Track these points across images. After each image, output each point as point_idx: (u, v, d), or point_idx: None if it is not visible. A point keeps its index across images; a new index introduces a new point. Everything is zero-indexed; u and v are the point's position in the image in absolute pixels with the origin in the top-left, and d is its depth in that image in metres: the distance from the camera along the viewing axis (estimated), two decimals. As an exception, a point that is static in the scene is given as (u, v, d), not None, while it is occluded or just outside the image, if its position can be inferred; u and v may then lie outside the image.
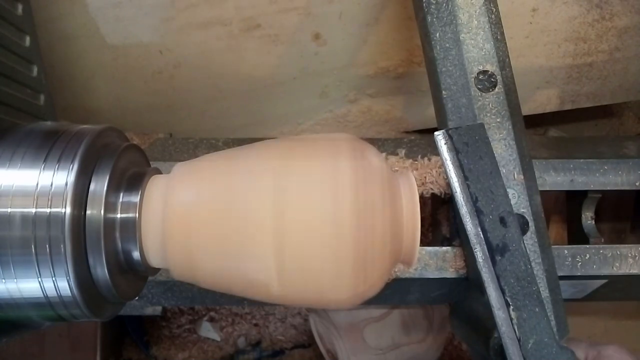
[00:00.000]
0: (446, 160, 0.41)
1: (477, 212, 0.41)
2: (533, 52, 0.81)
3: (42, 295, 0.35)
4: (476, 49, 0.54)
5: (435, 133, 0.41)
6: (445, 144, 0.41)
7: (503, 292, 0.41)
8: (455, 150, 0.41)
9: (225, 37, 0.73)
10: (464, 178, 0.40)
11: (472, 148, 0.41)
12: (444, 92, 0.54)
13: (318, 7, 0.71)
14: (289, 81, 0.82)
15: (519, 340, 0.41)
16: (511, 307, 0.41)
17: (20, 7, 0.52)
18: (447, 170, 0.41)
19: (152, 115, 0.85)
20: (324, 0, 0.70)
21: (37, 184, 0.34)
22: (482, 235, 0.42)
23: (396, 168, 0.61)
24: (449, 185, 0.43)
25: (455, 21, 0.54)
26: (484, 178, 0.42)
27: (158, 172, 0.40)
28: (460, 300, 0.62)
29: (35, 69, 0.53)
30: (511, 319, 0.41)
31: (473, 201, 0.42)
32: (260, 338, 1.25)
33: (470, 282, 0.58)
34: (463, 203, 0.42)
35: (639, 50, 0.83)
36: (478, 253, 0.42)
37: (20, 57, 0.51)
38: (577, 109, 0.93)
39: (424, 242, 0.59)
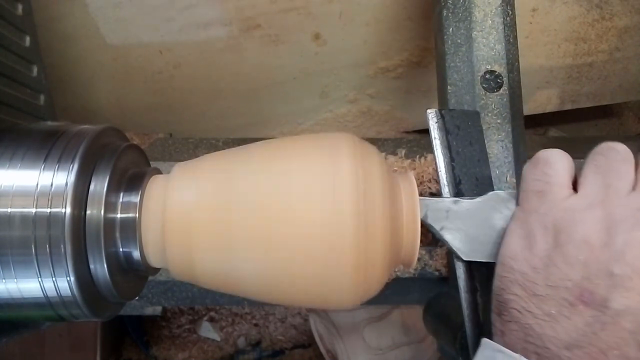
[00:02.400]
0: (435, 139, 0.40)
1: (459, 195, 0.41)
2: (533, 52, 0.81)
3: (42, 295, 0.35)
4: (487, 48, 0.54)
5: (428, 110, 0.40)
6: (436, 122, 0.40)
7: (473, 277, 0.40)
8: (445, 130, 0.40)
9: (225, 37, 0.73)
10: (450, 159, 0.40)
11: (463, 132, 0.40)
12: (449, 87, 0.54)
13: (318, 7, 0.71)
14: (289, 81, 0.82)
15: (482, 326, 0.40)
16: (479, 293, 0.40)
17: (20, 7, 0.52)
18: (435, 149, 0.40)
19: (152, 115, 0.85)
20: (324, 0, 0.70)
21: (37, 184, 0.34)
22: None
23: (396, 168, 0.61)
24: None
25: (470, 18, 0.55)
26: (471, 164, 0.41)
27: (158, 172, 0.40)
28: (435, 296, 0.62)
29: (35, 69, 0.53)
30: (477, 304, 0.40)
31: (456, 183, 0.41)
32: (260, 338, 1.25)
33: (449, 280, 0.58)
34: (445, 183, 0.41)
35: (639, 50, 0.83)
36: None
37: (20, 57, 0.51)
38: (577, 109, 0.93)
39: (424, 242, 0.59)
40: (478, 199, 0.38)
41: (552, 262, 0.32)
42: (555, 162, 0.36)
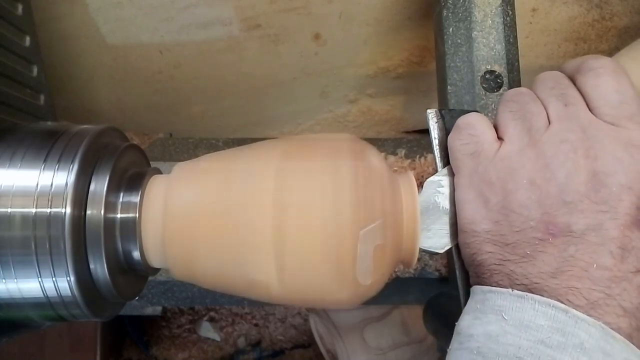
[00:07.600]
0: (435, 139, 0.40)
1: None
2: (533, 52, 0.81)
3: (42, 295, 0.35)
4: (487, 48, 0.54)
5: (428, 110, 0.41)
6: (436, 122, 0.40)
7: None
8: (445, 130, 0.40)
9: (225, 37, 0.73)
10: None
11: None
12: (449, 87, 0.54)
13: (318, 7, 0.71)
14: (289, 81, 0.82)
15: None
16: None
17: (20, 7, 0.52)
18: (435, 149, 0.40)
19: (152, 115, 0.85)
20: (324, 0, 0.70)
21: (37, 184, 0.34)
22: None
23: (395, 168, 0.61)
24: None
25: (470, 18, 0.55)
26: None
27: (158, 172, 0.40)
28: (435, 296, 0.62)
29: (35, 69, 0.53)
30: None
31: None
32: (260, 338, 1.25)
33: (449, 280, 0.58)
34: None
35: (639, 50, 0.83)
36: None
37: (20, 57, 0.51)
38: (577, 109, 0.93)
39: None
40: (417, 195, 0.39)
41: (509, 210, 0.34)
42: (476, 122, 0.37)
